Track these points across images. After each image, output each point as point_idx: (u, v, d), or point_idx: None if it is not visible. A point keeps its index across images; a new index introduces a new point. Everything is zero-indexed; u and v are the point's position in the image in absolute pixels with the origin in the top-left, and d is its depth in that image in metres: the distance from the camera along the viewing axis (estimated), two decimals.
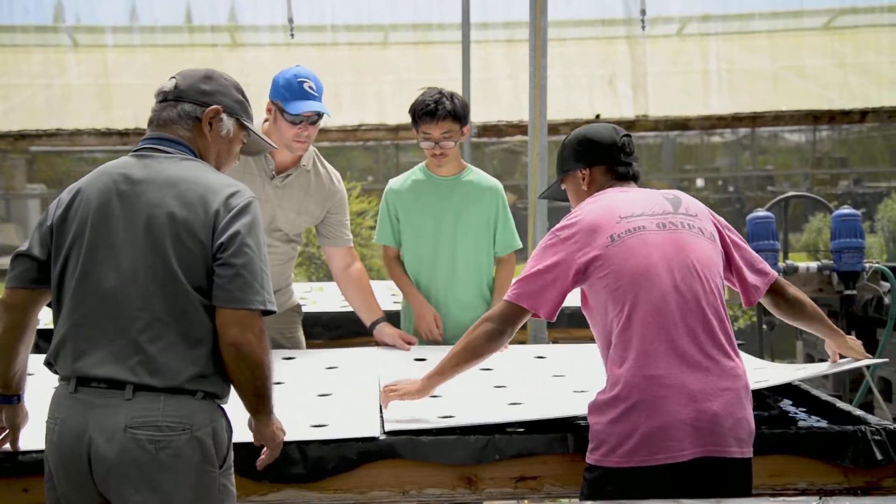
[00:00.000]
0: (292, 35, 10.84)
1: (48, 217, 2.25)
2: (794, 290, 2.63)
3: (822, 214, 8.65)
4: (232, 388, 2.21)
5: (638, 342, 2.34)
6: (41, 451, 2.32)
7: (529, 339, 3.91)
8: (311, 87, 3.33)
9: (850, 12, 11.34)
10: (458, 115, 3.45)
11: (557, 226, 2.51)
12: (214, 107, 2.29)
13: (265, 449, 2.29)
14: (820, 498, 1.86)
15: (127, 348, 2.11)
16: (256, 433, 2.27)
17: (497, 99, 10.15)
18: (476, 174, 3.67)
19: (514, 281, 2.53)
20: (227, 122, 2.32)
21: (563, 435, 2.51)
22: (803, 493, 2.53)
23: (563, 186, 2.71)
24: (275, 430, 2.27)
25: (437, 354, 3.49)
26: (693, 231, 2.44)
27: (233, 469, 2.23)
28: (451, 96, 3.47)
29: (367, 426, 2.51)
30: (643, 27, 8.14)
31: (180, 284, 2.13)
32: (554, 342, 4.32)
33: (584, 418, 2.46)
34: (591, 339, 4.34)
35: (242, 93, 2.39)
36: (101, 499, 2.15)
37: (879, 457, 2.50)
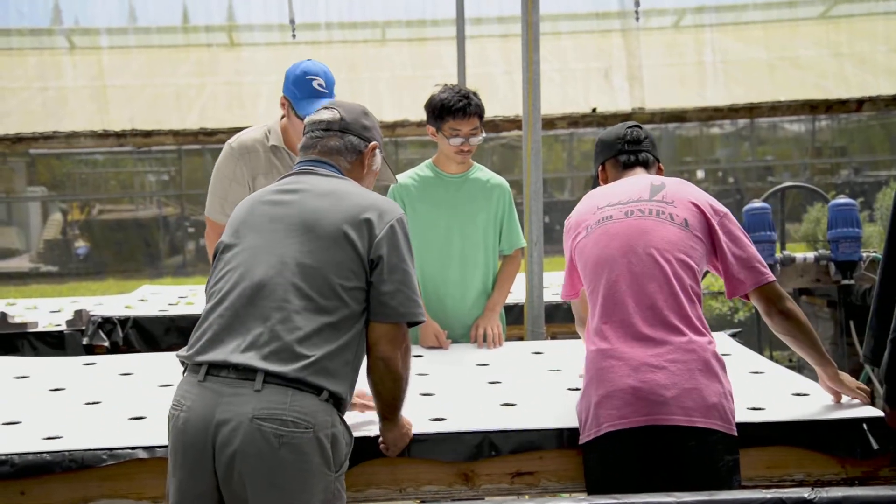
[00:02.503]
0: (293, 35, 10.85)
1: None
2: (791, 304, 2.56)
3: (820, 204, 8.64)
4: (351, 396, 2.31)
5: (596, 324, 2.47)
6: (38, 453, 2.34)
7: (527, 335, 3.91)
8: (320, 85, 3.31)
9: (846, 1, 11.32)
10: (483, 111, 3.54)
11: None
12: (374, 143, 2.47)
13: (384, 445, 2.40)
14: (812, 488, 1.86)
15: (263, 336, 2.16)
16: (383, 434, 2.39)
17: (493, 94, 10.13)
18: (483, 171, 3.69)
19: None
20: (378, 158, 2.49)
21: (558, 430, 2.51)
22: (800, 484, 2.52)
23: None
24: (398, 436, 2.38)
25: (432, 350, 3.51)
26: (660, 218, 2.52)
27: (345, 474, 2.26)
28: (474, 93, 3.52)
29: (363, 424, 2.51)
30: (637, 19, 8.14)
31: (327, 284, 2.21)
32: (552, 337, 4.32)
33: (576, 427, 2.49)
34: None
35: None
36: (217, 488, 2.16)
37: (876, 447, 2.50)
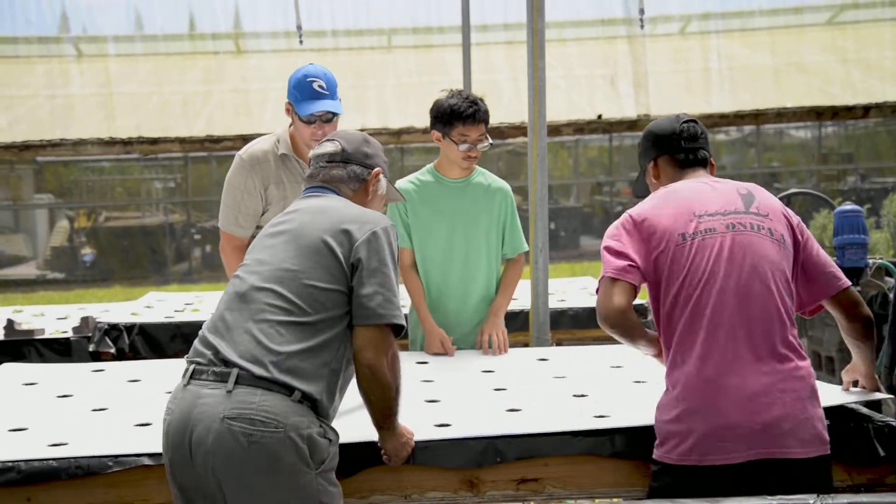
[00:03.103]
0: (300, 42, 10.90)
1: None
2: (867, 310, 2.55)
3: (826, 211, 8.63)
4: (338, 407, 2.36)
5: (699, 344, 2.37)
6: (44, 460, 2.35)
7: (532, 342, 3.91)
8: (321, 87, 3.34)
9: (852, 7, 11.32)
10: (489, 117, 3.56)
11: (630, 215, 2.51)
12: (377, 169, 2.56)
13: (386, 456, 2.41)
14: (818, 495, 1.86)
15: (240, 335, 2.25)
16: (382, 444, 2.40)
17: (498, 101, 10.14)
18: (485, 176, 3.69)
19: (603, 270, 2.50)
20: (382, 182, 2.58)
21: (564, 436, 2.51)
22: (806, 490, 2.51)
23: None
24: (397, 445, 2.38)
25: (437, 356, 3.51)
26: (761, 233, 2.44)
27: (334, 470, 2.28)
28: (481, 99, 3.53)
29: (368, 430, 2.52)
30: (641, 26, 8.15)
31: (305, 286, 2.28)
32: (557, 344, 4.31)
33: (581, 433, 2.50)
34: (594, 340, 4.33)
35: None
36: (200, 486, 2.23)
37: (882, 453, 2.50)
